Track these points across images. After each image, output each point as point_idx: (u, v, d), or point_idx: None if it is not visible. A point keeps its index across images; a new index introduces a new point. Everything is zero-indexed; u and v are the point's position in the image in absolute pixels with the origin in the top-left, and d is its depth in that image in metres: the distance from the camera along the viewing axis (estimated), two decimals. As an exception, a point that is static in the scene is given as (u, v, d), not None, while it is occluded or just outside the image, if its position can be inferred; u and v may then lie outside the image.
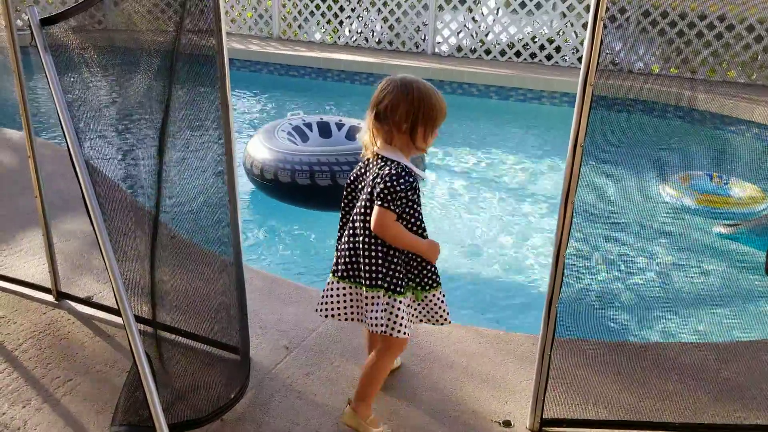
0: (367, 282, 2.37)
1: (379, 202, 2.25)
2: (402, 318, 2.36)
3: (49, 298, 3.43)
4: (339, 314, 2.49)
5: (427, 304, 2.48)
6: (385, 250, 2.35)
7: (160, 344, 2.72)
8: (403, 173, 2.26)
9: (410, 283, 2.44)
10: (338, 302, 2.47)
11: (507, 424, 2.63)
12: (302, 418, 2.64)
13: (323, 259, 4.78)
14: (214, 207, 2.67)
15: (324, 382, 2.85)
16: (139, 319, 2.90)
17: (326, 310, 2.49)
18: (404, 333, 2.36)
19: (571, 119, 2.20)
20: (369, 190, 2.33)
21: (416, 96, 2.27)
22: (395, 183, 2.24)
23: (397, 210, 2.28)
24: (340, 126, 6.08)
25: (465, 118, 8.56)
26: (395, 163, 2.30)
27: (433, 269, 2.45)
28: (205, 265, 2.82)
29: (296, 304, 3.44)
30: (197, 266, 2.83)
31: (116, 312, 2.94)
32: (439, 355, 3.04)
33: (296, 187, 5.08)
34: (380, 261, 2.35)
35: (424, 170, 2.54)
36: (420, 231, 2.38)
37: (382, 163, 2.32)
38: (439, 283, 2.47)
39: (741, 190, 5.58)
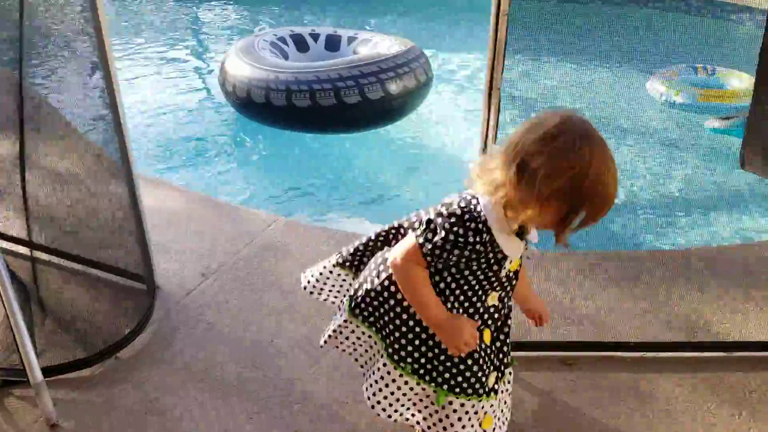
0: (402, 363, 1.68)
1: (419, 235, 1.54)
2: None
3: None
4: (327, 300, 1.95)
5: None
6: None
7: (37, 269, 2.39)
8: (471, 223, 1.48)
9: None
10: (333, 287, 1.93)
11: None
12: (207, 352, 2.34)
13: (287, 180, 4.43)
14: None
15: (238, 312, 2.53)
16: (10, 238, 2.60)
17: (313, 287, 1.95)
18: None
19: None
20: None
21: (590, 182, 1.35)
22: (451, 225, 1.49)
23: (433, 262, 1.55)
24: (315, 36, 5.51)
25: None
26: (476, 209, 1.49)
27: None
28: (89, 173, 2.45)
29: (224, 225, 3.09)
30: (79, 174, 2.46)
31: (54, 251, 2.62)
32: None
33: (294, 109, 4.51)
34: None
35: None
36: (457, 307, 1.61)
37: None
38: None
39: (739, 80, 5.09)
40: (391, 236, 1.77)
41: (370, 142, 4.84)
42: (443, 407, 1.64)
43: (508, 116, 2.10)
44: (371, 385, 1.72)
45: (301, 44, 5.35)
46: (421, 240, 1.52)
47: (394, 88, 4.46)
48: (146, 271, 2.60)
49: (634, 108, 4.92)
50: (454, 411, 1.63)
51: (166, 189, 3.44)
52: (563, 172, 1.34)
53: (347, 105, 4.38)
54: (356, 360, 1.84)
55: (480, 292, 1.60)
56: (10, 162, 2.27)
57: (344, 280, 1.87)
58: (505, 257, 1.53)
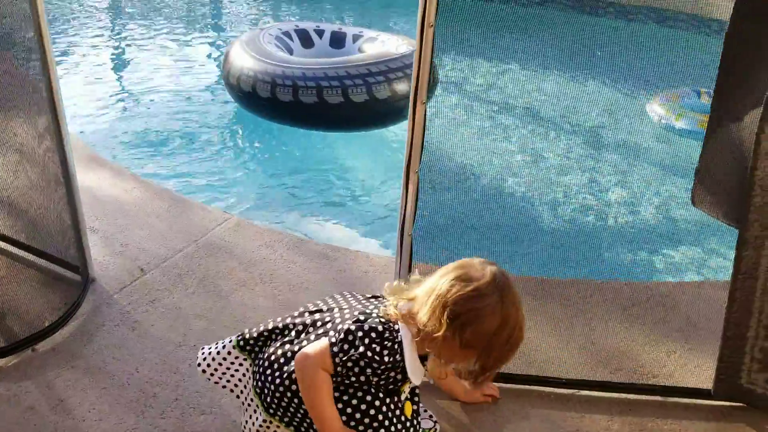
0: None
1: (334, 343, 1.57)
2: None
3: None
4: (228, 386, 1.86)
5: None
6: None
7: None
8: (387, 342, 1.56)
9: None
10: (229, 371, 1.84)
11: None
12: (124, 353, 2.28)
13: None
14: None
15: (168, 311, 2.47)
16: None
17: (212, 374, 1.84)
18: None
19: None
20: (342, 316, 1.64)
21: (511, 335, 1.52)
22: (369, 340, 1.55)
23: (345, 372, 1.57)
24: (320, 33, 5.42)
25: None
26: (393, 329, 1.58)
27: None
28: (24, 147, 2.39)
29: (175, 220, 3.03)
30: (13, 145, 2.40)
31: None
32: (313, 285, 2.62)
33: (300, 106, 4.37)
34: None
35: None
36: (350, 420, 1.62)
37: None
38: None
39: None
40: (301, 332, 1.69)
41: (357, 143, 4.76)
42: None
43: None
44: None
45: (305, 40, 5.23)
46: (335, 349, 1.55)
47: (401, 88, 4.36)
48: (81, 262, 2.55)
49: (626, 126, 4.81)
50: None
51: (126, 179, 3.39)
52: (490, 328, 1.48)
53: (354, 103, 4.29)
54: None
55: (373, 411, 1.61)
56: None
57: (241, 364, 1.79)
58: (405, 380, 1.60)
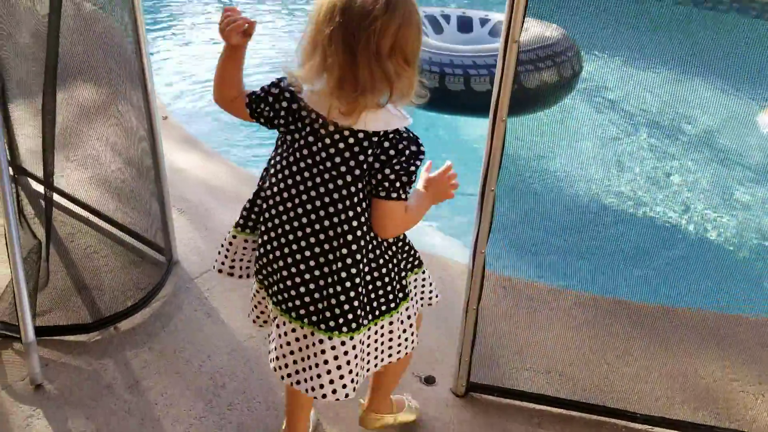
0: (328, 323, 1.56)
1: (401, 193, 1.47)
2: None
3: None
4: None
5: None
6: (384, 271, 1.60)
7: (53, 221, 2.44)
8: (418, 139, 1.49)
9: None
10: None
11: (429, 380, 2.20)
12: (199, 339, 2.33)
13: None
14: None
15: (243, 300, 2.49)
16: (30, 175, 2.69)
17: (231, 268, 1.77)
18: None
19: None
20: (380, 176, 1.46)
21: (411, 9, 1.39)
22: (416, 157, 1.46)
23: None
24: (446, 18, 5.32)
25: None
26: (405, 131, 1.48)
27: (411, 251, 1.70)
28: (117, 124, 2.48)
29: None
30: (107, 124, 2.49)
31: (73, 199, 2.72)
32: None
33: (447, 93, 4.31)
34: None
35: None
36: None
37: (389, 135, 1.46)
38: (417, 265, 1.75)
39: None
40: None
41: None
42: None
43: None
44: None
45: (435, 25, 5.14)
46: (403, 195, 1.46)
47: (549, 77, 4.25)
48: (165, 243, 2.63)
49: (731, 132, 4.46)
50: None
51: (216, 162, 3.47)
52: (401, 22, 1.36)
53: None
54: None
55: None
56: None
57: (245, 247, 1.70)
58: None
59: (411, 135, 1.47)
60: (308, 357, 1.57)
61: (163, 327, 2.38)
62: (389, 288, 1.60)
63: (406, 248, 1.67)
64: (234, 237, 1.70)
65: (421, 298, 1.78)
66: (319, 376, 1.56)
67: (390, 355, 1.69)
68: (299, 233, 1.51)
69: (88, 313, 2.36)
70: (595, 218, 2.93)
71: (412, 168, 1.44)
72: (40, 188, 2.59)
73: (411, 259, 1.70)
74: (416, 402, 2.08)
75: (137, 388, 2.14)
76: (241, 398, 2.12)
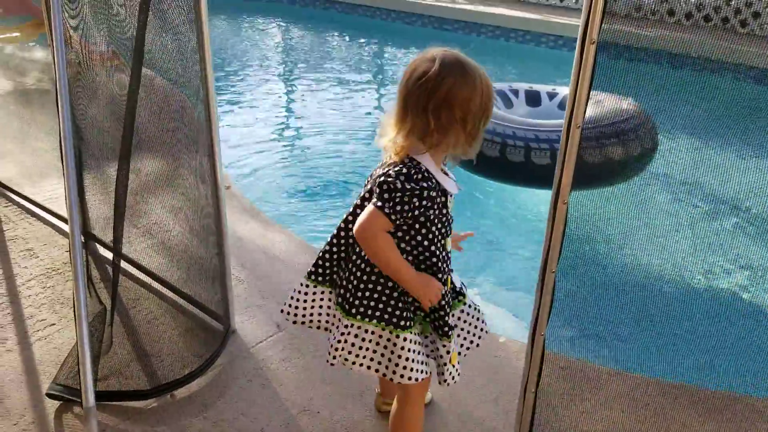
0: (353, 310, 1.84)
1: (377, 201, 1.69)
2: (410, 359, 1.82)
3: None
4: (312, 321, 2.02)
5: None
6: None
7: (117, 289, 2.51)
8: (417, 174, 1.69)
9: (418, 312, 1.86)
10: (312, 308, 2.00)
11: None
12: (254, 411, 2.33)
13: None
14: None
15: (298, 372, 2.52)
16: (98, 240, 2.77)
17: (295, 315, 2.01)
18: (416, 378, 1.84)
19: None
20: (369, 187, 1.80)
21: (484, 82, 1.69)
22: (402, 181, 1.67)
23: (398, 220, 1.70)
24: (515, 92, 5.43)
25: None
26: (413, 161, 1.71)
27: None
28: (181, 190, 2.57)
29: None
30: (173, 199, 2.58)
31: (138, 266, 2.82)
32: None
33: (508, 164, 4.43)
34: (377, 286, 1.82)
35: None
36: (423, 261, 1.79)
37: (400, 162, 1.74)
38: (460, 299, 1.99)
39: None
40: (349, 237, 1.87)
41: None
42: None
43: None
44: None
45: (505, 99, 5.27)
46: (380, 204, 1.67)
47: (616, 153, 4.26)
48: (224, 312, 2.67)
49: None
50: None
51: (274, 231, 3.54)
52: (466, 94, 1.66)
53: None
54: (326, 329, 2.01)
55: (441, 241, 1.79)
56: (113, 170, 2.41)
57: (321, 298, 1.96)
58: (446, 194, 1.77)
59: (420, 174, 1.68)
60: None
61: (219, 396, 2.39)
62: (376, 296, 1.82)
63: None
64: (305, 292, 1.97)
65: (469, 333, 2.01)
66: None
67: (394, 373, 1.84)
68: None
69: (147, 380, 2.40)
70: (663, 301, 2.84)
71: (398, 185, 1.65)
72: (108, 254, 2.69)
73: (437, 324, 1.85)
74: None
75: (191, 458, 2.14)
76: (294, 474, 2.10)
